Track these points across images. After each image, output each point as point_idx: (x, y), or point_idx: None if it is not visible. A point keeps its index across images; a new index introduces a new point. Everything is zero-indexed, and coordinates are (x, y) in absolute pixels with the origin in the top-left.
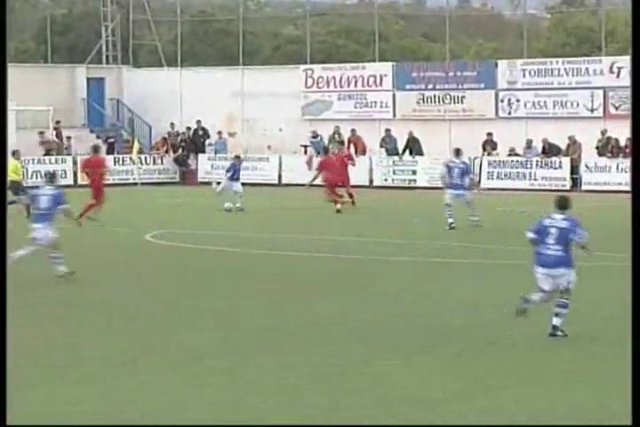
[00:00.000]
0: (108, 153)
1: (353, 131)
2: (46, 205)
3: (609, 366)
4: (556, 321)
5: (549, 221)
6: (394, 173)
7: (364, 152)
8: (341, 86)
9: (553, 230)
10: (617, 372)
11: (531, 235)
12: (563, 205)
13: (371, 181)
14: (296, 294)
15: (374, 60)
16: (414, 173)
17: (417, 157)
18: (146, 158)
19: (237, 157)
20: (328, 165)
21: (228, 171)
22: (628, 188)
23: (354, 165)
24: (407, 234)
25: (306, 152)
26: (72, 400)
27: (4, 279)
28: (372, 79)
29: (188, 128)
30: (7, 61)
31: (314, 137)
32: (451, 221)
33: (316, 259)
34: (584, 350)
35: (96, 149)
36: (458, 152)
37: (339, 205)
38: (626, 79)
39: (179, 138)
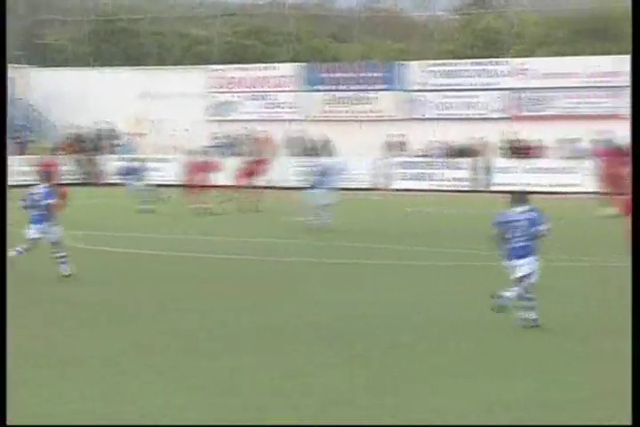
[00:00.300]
0: (16, 154)
1: (262, 132)
2: (37, 204)
3: (578, 363)
4: (531, 314)
5: (512, 215)
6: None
7: (273, 153)
8: (251, 87)
9: (518, 224)
10: (583, 368)
11: (496, 231)
12: (521, 199)
13: (282, 181)
14: (257, 297)
15: (283, 61)
16: None
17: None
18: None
19: (136, 160)
20: (194, 168)
21: (127, 173)
22: (537, 189)
23: (265, 171)
24: (324, 236)
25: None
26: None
27: (4, 279)
28: (281, 80)
29: (90, 128)
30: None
31: (219, 138)
32: (315, 221)
33: (252, 262)
34: (553, 347)
35: (52, 150)
36: (328, 152)
37: (196, 206)
38: (533, 81)
39: (82, 139)
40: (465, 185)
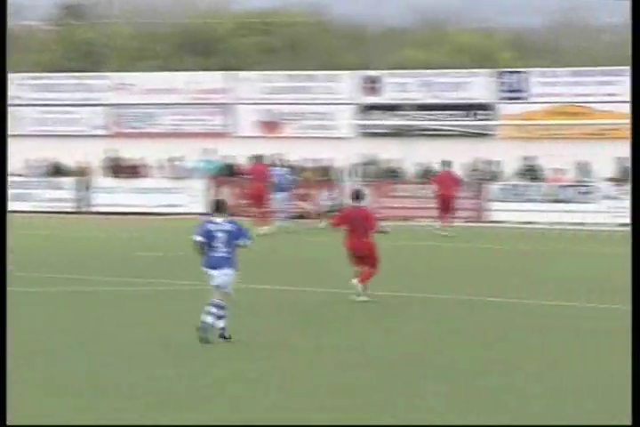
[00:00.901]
0: None
1: None
2: None
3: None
4: (220, 323)
5: (213, 225)
6: None
7: None
8: None
9: (220, 234)
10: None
11: (198, 238)
12: (220, 208)
13: None
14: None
15: None
16: None
17: None
18: None
19: None
20: None
21: None
22: (141, 209)
23: None
24: None
25: None
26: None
27: (4, 279)
28: None
29: None
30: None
31: None
32: None
33: None
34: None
35: None
36: None
37: None
38: (134, 97)
39: None
40: (67, 206)
